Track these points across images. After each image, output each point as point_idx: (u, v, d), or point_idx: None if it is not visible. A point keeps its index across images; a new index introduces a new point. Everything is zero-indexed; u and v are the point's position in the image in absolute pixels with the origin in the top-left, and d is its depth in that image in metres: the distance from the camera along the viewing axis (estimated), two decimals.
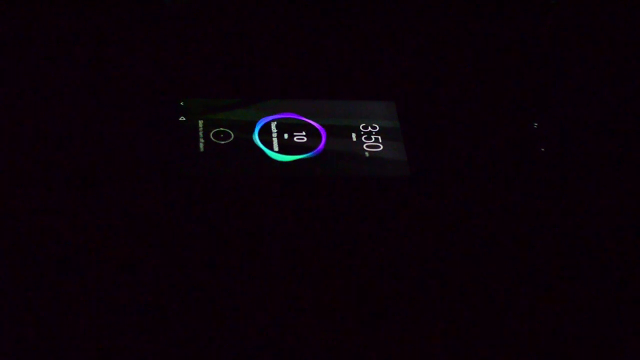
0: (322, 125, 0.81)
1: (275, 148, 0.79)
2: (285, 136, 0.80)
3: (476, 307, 0.71)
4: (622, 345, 0.70)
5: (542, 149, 0.81)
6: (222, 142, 0.79)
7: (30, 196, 0.74)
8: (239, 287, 0.71)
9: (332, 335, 0.69)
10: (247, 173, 0.77)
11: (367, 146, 0.80)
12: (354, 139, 0.80)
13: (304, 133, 0.80)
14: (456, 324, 0.70)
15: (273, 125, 0.80)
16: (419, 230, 0.75)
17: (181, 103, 0.81)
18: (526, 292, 0.72)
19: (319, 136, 0.80)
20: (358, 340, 0.69)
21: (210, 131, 0.80)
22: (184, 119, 0.80)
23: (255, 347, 0.68)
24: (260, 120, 0.81)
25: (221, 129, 0.80)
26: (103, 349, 0.67)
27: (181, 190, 0.76)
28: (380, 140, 0.80)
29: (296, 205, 0.76)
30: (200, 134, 0.79)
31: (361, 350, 0.68)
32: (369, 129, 0.81)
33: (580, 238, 0.76)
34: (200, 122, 0.80)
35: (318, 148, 0.79)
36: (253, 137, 0.79)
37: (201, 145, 0.79)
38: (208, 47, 0.87)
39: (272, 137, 0.80)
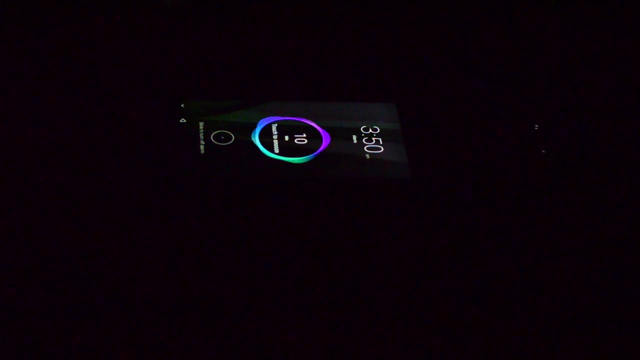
0: (323, 127, 0.81)
1: (276, 150, 0.79)
2: (286, 138, 0.80)
3: (477, 308, 0.71)
4: (622, 345, 0.70)
5: (543, 151, 0.81)
6: (223, 144, 0.79)
7: (30, 198, 0.74)
8: (240, 289, 0.71)
9: (331, 336, 0.69)
10: (247, 175, 0.77)
11: (368, 148, 0.80)
12: (355, 141, 0.80)
13: (304, 135, 0.80)
14: (457, 325, 0.70)
15: (274, 127, 0.80)
16: (420, 232, 0.75)
17: (182, 105, 0.81)
18: (527, 293, 0.72)
19: (320, 138, 0.80)
20: (357, 341, 0.69)
21: (211, 133, 0.80)
22: (185, 121, 0.80)
23: (256, 347, 0.68)
24: (261, 122, 0.81)
25: (222, 130, 0.80)
26: (103, 350, 0.67)
27: (182, 192, 0.76)
28: (381, 142, 0.80)
29: (297, 207, 0.76)
30: (201, 135, 0.79)
31: (361, 351, 0.68)
32: (370, 130, 0.81)
33: (581, 239, 0.76)
34: (201, 124, 0.80)
35: (319, 150, 0.79)
36: (253, 138, 0.79)
37: (202, 147, 0.78)
38: (208, 49, 0.87)
39: (272, 139, 0.80)
